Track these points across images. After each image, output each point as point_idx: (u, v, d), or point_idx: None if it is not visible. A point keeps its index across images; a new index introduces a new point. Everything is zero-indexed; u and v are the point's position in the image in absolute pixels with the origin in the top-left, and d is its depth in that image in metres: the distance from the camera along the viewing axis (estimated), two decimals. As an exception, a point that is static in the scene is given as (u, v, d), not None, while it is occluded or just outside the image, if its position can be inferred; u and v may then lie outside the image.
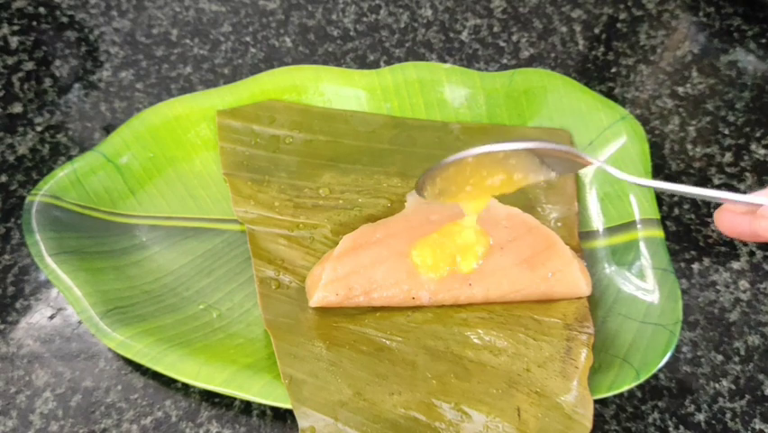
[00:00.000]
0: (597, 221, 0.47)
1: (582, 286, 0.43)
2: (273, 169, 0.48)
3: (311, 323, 0.43)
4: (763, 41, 0.45)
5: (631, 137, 0.47)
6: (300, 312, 0.44)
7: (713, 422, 0.39)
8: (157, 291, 0.44)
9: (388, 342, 0.42)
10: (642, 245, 0.44)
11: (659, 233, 0.45)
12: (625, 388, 0.40)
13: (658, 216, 0.45)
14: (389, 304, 0.44)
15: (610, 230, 0.46)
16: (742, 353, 0.41)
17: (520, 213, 0.45)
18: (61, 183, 0.45)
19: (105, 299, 0.43)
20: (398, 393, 0.40)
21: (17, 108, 0.47)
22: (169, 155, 0.48)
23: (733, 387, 0.40)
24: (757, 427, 0.38)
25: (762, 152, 0.46)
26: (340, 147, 0.49)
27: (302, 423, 0.39)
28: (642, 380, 0.40)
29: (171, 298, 0.44)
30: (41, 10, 0.47)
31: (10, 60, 0.46)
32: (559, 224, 0.46)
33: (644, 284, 0.44)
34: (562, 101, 0.49)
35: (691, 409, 0.40)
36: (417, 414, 0.39)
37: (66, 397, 0.41)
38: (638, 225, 0.45)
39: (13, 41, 0.46)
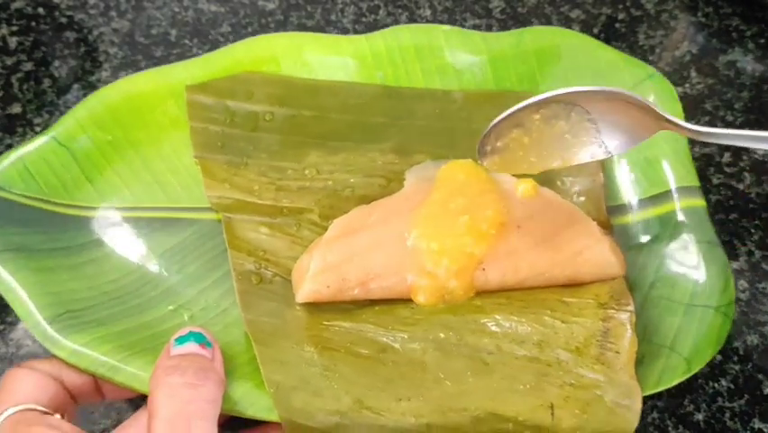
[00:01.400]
0: (626, 193, 0.40)
1: (615, 266, 0.37)
2: (252, 150, 0.42)
3: (300, 322, 0.37)
4: (762, 41, 0.45)
5: (660, 98, 0.41)
6: (287, 310, 0.37)
7: (712, 422, 0.38)
8: (118, 292, 0.38)
9: (390, 340, 0.36)
10: (681, 217, 0.38)
11: (700, 201, 0.39)
12: (675, 381, 0.34)
13: (697, 183, 0.39)
14: (390, 296, 0.37)
15: (643, 202, 0.40)
16: (741, 352, 0.40)
17: (536, 186, 0.39)
18: (6, 173, 0.39)
19: (56, 301, 0.36)
20: (407, 399, 0.34)
21: (16, 109, 0.47)
22: (131, 138, 0.41)
23: (732, 386, 0.39)
24: (756, 426, 0.37)
25: (761, 151, 0.46)
26: (327, 123, 0.43)
27: None
28: (694, 371, 0.34)
29: (135, 299, 0.38)
30: (40, 10, 0.47)
31: (9, 61, 0.46)
32: (582, 198, 0.40)
33: (688, 261, 0.37)
34: (579, 60, 0.43)
35: (690, 408, 0.39)
36: (432, 422, 0.33)
37: None
38: (675, 195, 0.39)
39: (12, 42, 0.46)
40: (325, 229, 0.39)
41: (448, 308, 0.37)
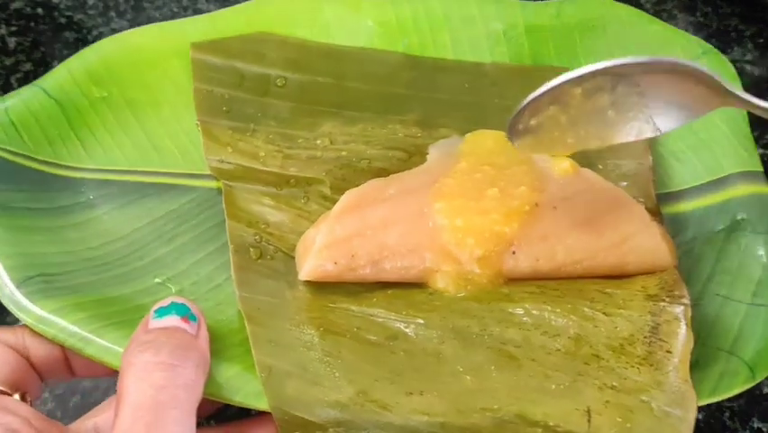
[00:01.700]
0: (678, 179, 0.36)
1: (665, 255, 0.32)
2: (260, 116, 0.38)
3: (301, 303, 0.33)
4: (761, 40, 0.44)
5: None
6: (288, 289, 0.33)
7: (711, 421, 0.37)
8: (102, 259, 0.34)
9: (403, 326, 0.31)
10: (742, 205, 0.34)
11: (763, 188, 0.34)
12: (736, 390, 0.29)
13: (761, 168, 0.34)
14: (405, 279, 0.33)
15: (698, 189, 0.35)
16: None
17: (576, 166, 0.34)
18: (-12, 124, 0.35)
19: (28, 263, 0.32)
20: (419, 393, 0.29)
21: None
22: (128, 96, 0.38)
23: None
24: (755, 425, 0.36)
25: (761, 151, 0.44)
26: (344, 92, 0.39)
27: (284, 430, 0.28)
28: (759, 379, 0.29)
29: (118, 268, 0.34)
30: (39, 11, 0.46)
31: (8, 61, 0.45)
32: (624, 183, 0.36)
33: (750, 254, 0.32)
34: (626, 35, 0.38)
35: None
36: (447, 421, 0.28)
37: (64, 398, 0.38)
38: (735, 181, 0.34)
39: (11, 42, 0.45)
40: (335, 204, 0.34)
41: (471, 295, 0.32)
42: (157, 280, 0.34)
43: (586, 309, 0.30)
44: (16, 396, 0.29)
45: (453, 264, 0.32)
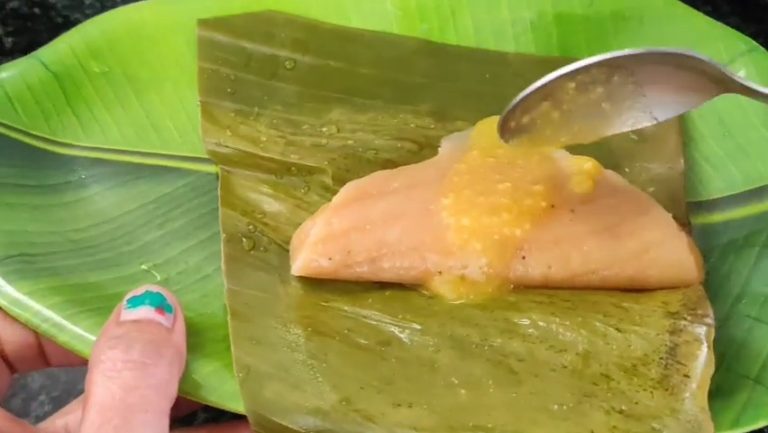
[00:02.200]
0: (712, 187, 0.33)
1: (691, 269, 0.29)
2: (266, 99, 0.36)
3: (292, 300, 0.30)
4: (761, 40, 0.39)
5: (761, 75, 0.33)
6: (279, 284, 0.31)
7: None
8: (88, 241, 0.32)
9: (397, 331, 0.29)
10: (780, 217, 0.31)
11: None
12: (761, 423, 0.26)
13: None
14: (404, 280, 0.30)
15: (733, 199, 0.32)
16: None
17: (599, 167, 0.32)
18: (-18, 96, 0.34)
19: (10, 241, 0.31)
20: (408, 405, 0.26)
21: None
22: (129, 73, 0.36)
23: None
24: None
25: None
26: (356, 77, 0.36)
27: None
28: None
29: (104, 252, 0.32)
30: (36, 11, 0.45)
31: (5, 61, 0.43)
32: (651, 188, 0.33)
33: None
34: (664, 28, 0.35)
35: None
36: None
37: (61, 400, 0.37)
38: None
39: (8, 42, 0.44)
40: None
41: (474, 302, 0.29)
42: (143, 266, 0.32)
43: (598, 324, 0.28)
44: None
45: (456, 268, 0.30)
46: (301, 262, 0.30)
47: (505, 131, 0.30)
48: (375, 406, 0.26)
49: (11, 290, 0.29)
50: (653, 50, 0.28)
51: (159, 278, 0.31)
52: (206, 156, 0.34)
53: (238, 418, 0.28)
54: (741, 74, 0.33)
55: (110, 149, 0.35)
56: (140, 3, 0.37)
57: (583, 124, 0.30)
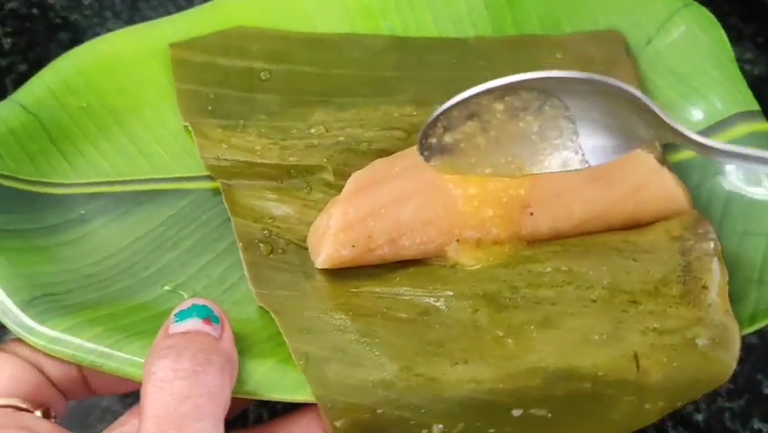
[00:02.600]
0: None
1: (681, 199, 0.32)
2: (248, 111, 0.36)
3: (322, 293, 0.31)
4: (761, 39, 0.43)
5: (700, 29, 0.37)
6: (305, 281, 0.32)
7: (712, 422, 0.37)
8: (104, 274, 0.32)
9: (432, 300, 0.30)
10: (744, 144, 0.34)
11: (763, 125, 0.34)
12: None
13: (757, 107, 0.35)
14: (425, 254, 0.32)
15: (699, 135, 0.36)
16: (741, 352, 0.37)
17: None
18: (-35, 147, 0.33)
19: (30, 284, 0.30)
20: (464, 362, 0.28)
21: None
22: (109, 105, 0.36)
23: (731, 387, 0.38)
24: (756, 426, 0.36)
25: None
26: (331, 79, 0.38)
27: (331, 417, 0.27)
28: None
29: (124, 281, 0.32)
30: (35, 11, 0.45)
31: (3, 62, 0.45)
32: None
33: (760, 189, 0.33)
34: None
35: (690, 408, 0.37)
36: (495, 387, 0.27)
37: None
38: (734, 122, 0.35)
39: (7, 43, 0.45)
40: (341, 189, 0.33)
41: (495, 262, 0.31)
42: (167, 287, 0.32)
43: (615, 258, 0.30)
44: (38, 413, 0.27)
45: (473, 232, 0.32)
46: (325, 255, 0.31)
47: (425, 147, 0.30)
48: (434, 368, 0.28)
49: (47, 330, 0.28)
50: (587, 77, 0.27)
51: (186, 296, 0.32)
52: (201, 174, 0.35)
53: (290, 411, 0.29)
54: (682, 29, 0.37)
55: (103, 182, 0.35)
56: (110, 34, 0.37)
57: (510, 157, 0.30)
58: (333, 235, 0.31)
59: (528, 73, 0.27)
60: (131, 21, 0.46)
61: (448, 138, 0.29)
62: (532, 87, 0.28)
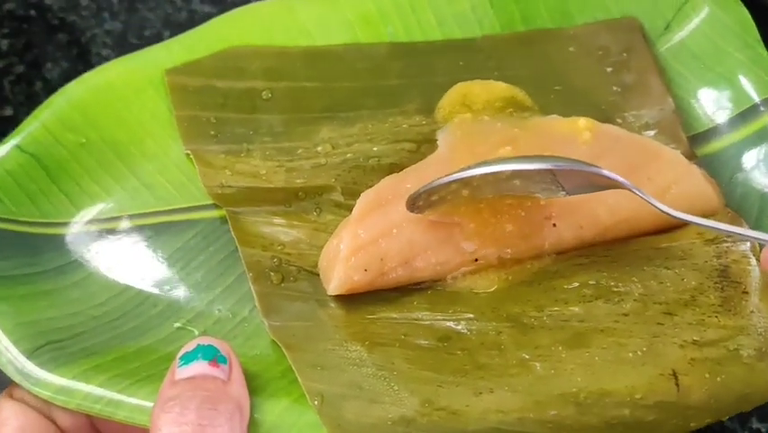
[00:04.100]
0: (707, 117, 0.34)
1: (712, 197, 0.30)
2: (252, 134, 0.35)
3: (338, 321, 0.30)
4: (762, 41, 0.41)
5: (721, 6, 0.35)
6: (319, 309, 0.30)
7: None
8: (110, 315, 0.31)
9: (453, 324, 0.29)
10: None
11: None
12: None
13: None
14: (442, 275, 0.30)
15: (727, 124, 0.33)
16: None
17: (593, 122, 0.32)
18: (-38, 192, 0.32)
19: (34, 332, 0.29)
20: (489, 391, 0.26)
21: (8, 111, 0.44)
22: (108, 138, 0.35)
23: None
24: (754, 426, 0.35)
25: None
26: (335, 93, 0.36)
27: None
28: None
29: (131, 321, 0.31)
30: (32, 12, 0.45)
31: (0, 64, 0.45)
32: (650, 132, 0.34)
33: None
34: None
35: None
36: (524, 416, 0.26)
37: None
38: (765, 108, 0.33)
39: (4, 44, 0.44)
40: (351, 209, 0.32)
41: (518, 280, 0.30)
42: (176, 325, 0.31)
43: (646, 268, 0.28)
44: None
45: (492, 250, 0.30)
46: (337, 281, 0.30)
47: (414, 207, 0.30)
48: (457, 400, 0.26)
49: (54, 379, 0.27)
50: (572, 166, 0.28)
51: (196, 333, 0.30)
52: (207, 202, 0.34)
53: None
54: (703, 12, 0.35)
55: (105, 218, 0.34)
56: (103, 65, 0.36)
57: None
58: (344, 260, 0.30)
59: (504, 164, 0.28)
60: (128, 22, 0.46)
61: (434, 197, 0.30)
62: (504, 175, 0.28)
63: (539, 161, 0.28)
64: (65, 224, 0.33)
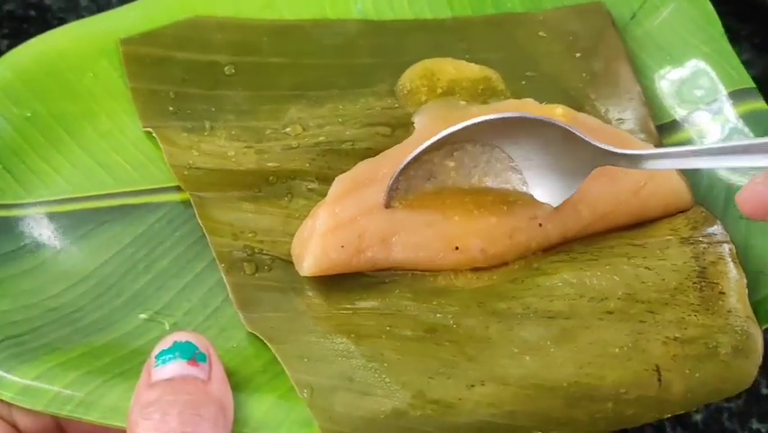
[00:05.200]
0: (672, 109, 0.35)
1: (685, 192, 0.31)
2: (214, 111, 0.33)
3: (317, 311, 0.29)
4: (757, 40, 0.43)
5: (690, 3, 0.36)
6: (297, 298, 0.29)
7: (710, 422, 0.36)
8: (70, 306, 0.29)
9: (439, 318, 0.28)
10: (742, 123, 0.33)
11: (759, 103, 0.33)
12: None
13: (752, 84, 0.34)
14: (421, 262, 0.30)
15: (694, 115, 0.34)
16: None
17: (573, 112, 0.32)
18: None
19: None
20: (481, 383, 0.26)
21: None
22: (57, 112, 0.32)
23: None
24: (754, 426, 0.36)
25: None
26: (303, 70, 0.35)
27: None
28: None
29: (94, 312, 0.29)
30: (32, 12, 0.45)
31: None
32: (621, 123, 0.34)
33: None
34: None
35: None
36: (516, 409, 0.26)
37: None
38: (730, 100, 0.34)
39: (3, 45, 0.44)
40: (325, 195, 0.30)
41: (501, 277, 0.30)
42: (143, 315, 0.29)
43: (626, 267, 0.29)
44: None
45: (475, 239, 0.30)
46: (312, 259, 0.29)
47: (391, 200, 0.29)
48: (450, 392, 0.26)
49: (16, 379, 0.25)
50: (517, 116, 0.29)
51: (167, 325, 0.29)
52: (170, 184, 0.32)
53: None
54: (671, 5, 0.35)
55: (59, 199, 0.31)
56: (52, 31, 0.33)
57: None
58: (320, 237, 0.29)
59: (463, 123, 0.29)
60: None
61: (412, 196, 0.30)
62: (471, 140, 0.29)
63: (469, 121, 0.29)
64: (11, 205, 0.31)
